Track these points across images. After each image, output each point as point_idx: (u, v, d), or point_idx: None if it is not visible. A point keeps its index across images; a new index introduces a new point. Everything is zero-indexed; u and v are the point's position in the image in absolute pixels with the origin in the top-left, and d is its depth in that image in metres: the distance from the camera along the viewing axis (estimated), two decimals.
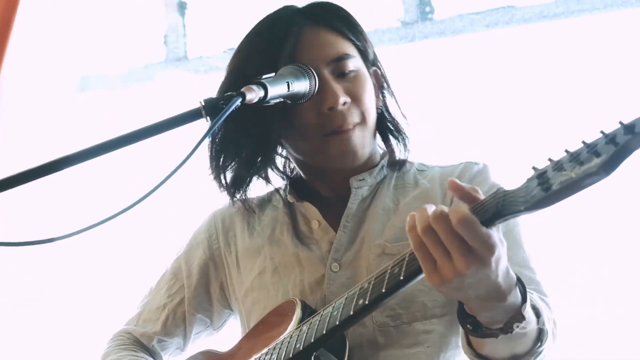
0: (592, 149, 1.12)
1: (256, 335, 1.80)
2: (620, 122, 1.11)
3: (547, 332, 1.50)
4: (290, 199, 1.86)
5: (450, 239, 1.27)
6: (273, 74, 1.61)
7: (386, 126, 1.84)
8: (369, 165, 1.81)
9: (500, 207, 1.24)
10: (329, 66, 1.71)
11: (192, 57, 3.47)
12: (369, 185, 1.80)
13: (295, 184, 1.88)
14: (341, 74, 1.72)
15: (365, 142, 1.75)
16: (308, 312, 1.68)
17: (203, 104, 1.45)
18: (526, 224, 1.73)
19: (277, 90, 1.56)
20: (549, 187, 1.16)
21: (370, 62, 1.81)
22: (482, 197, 1.30)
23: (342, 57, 1.72)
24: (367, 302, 1.46)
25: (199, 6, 3.50)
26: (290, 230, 1.83)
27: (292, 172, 1.90)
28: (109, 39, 3.53)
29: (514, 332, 1.39)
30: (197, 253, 1.95)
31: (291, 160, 1.88)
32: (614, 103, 2.62)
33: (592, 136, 1.14)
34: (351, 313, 1.49)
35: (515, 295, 1.38)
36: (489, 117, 2.80)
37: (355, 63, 1.74)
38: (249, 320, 1.84)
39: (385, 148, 1.85)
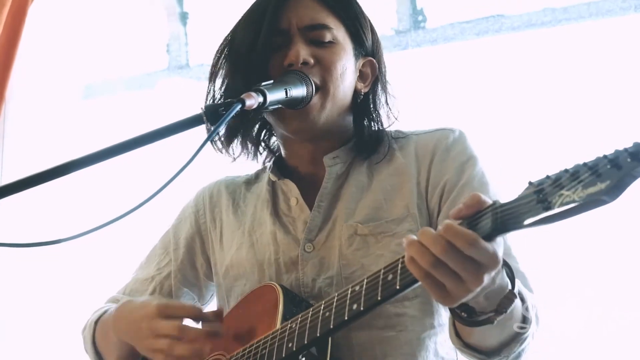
0: (594, 171, 1.08)
1: (237, 321, 1.78)
2: (625, 149, 1.07)
3: (531, 319, 1.50)
4: (272, 176, 1.88)
5: (462, 265, 1.25)
6: (272, 81, 1.67)
7: (363, 112, 1.84)
8: (341, 140, 1.83)
9: (499, 223, 1.22)
10: (302, 31, 1.76)
11: (194, 64, 3.51)
12: (343, 162, 1.82)
13: (279, 162, 1.91)
14: (315, 42, 1.77)
15: (325, 109, 1.75)
16: (290, 298, 1.69)
17: (204, 110, 1.50)
18: None
19: (275, 96, 1.63)
20: (550, 207, 1.12)
21: (365, 49, 1.84)
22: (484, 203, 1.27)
23: (317, 27, 1.78)
24: (362, 309, 1.43)
25: (200, 16, 3.54)
26: (270, 208, 1.85)
27: (277, 149, 1.93)
28: (113, 48, 3.56)
29: (507, 311, 1.37)
30: (184, 227, 1.98)
31: (275, 134, 1.90)
32: (601, 109, 2.65)
33: (589, 155, 1.10)
34: (345, 318, 1.46)
35: (503, 278, 1.36)
36: (480, 122, 2.80)
37: (334, 36, 1.78)
38: (229, 296, 1.86)
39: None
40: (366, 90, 1.85)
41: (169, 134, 1.49)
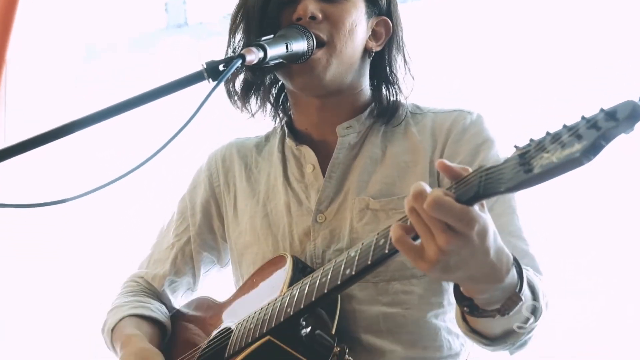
0: (574, 132, 1.08)
1: (249, 290, 1.82)
2: (602, 109, 1.07)
3: (541, 309, 1.49)
4: (289, 142, 1.87)
5: (427, 217, 1.24)
6: (272, 36, 1.66)
7: (380, 74, 1.84)
8: (352, 103, 1.83)
9: (482, 187, 1.20)
10: None
11: (192, 23, 3.48)
12: (357, 132, 1.81)
13: (291, 128, 1.90)
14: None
15: (331, 65, 1.74)
16: (300, 268, 1.70)
17: (205, 66, 1.49)
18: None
19: (276, 51, 1.62)
20: (531, 169, 1.12)
21: (379, 8, 1.83)
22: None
23: None
24: (353, 273, 1.45)
25: None
26: (282, 175, 1.86)
27: (287, 112, 1.92)
28: (112, 8, 3.55)
29: (511, 313, 1.37)
30: (199, 191, 2.00)
31: (289, 97, 1.89)
32: (606, 65, 2.63)
33: (573, 117, 1.11)
34: (338, 282, 1.48)
35: (512, 277, 1.35)
36: (483, 74, 2.80)
37: None
38: (241, 262, 1.89)
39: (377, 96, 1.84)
40: (378, 49, 1.83)
41: (170, 91, 1.48)
